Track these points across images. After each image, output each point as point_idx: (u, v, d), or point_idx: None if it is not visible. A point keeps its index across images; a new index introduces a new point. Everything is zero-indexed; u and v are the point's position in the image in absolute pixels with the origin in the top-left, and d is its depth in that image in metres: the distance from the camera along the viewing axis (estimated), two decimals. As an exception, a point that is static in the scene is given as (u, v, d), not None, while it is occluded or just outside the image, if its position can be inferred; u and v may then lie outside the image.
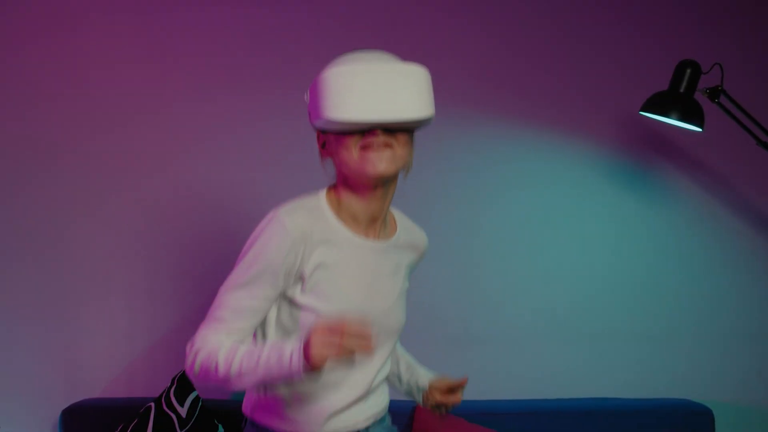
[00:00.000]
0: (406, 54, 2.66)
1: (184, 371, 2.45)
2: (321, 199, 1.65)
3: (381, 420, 1.77)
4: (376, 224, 1.67)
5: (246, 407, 1.71)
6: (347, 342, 1.40)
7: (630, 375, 2.77)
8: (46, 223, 2.70)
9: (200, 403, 2.43)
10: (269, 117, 2.74)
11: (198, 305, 2.73)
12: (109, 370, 2.71)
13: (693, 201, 2.80)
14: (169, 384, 2.47)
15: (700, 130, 2.41)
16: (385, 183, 1.61)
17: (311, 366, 1.43)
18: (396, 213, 1.78)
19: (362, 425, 1.71)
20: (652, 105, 2.42)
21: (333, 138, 1.59)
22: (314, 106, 1.57)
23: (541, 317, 2.77)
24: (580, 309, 2.78)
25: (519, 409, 2.61)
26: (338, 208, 1.64)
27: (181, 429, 2.35)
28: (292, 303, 1.60)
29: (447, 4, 2.79)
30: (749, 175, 2.80)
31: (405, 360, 1.91)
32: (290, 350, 1.47)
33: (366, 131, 1.54)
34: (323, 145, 1.65)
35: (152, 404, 2.41)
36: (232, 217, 2.74)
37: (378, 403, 1.75)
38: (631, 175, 2.81)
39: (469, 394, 2.68)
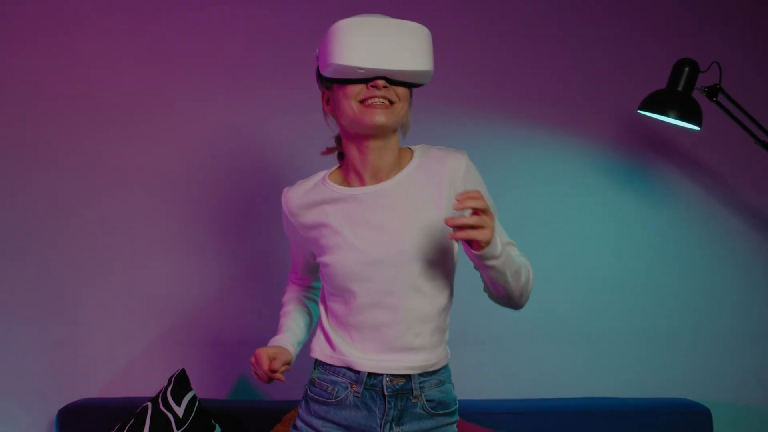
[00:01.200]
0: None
1: (181, 371, 2.46)
2: (329, 170, 1.80)
3: (440, 382, 1.76)
4: (380, 175, 1.73)
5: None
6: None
7: (629, 375, 2.76)
8: (46, 223, 2.71)
9: (197, 403, 2.42)
10: (269, 117, 2.74)
11: (196, 305, 2.74)
12: (107, 369, 2.71)
13: (693, 201, 2.80)
14: (166, 384, 2.46)
15: (698, 128, 2.40)
16: (382, 136, 1.68)
17: None
18: (420, 149, 1.77)
19: (405, 372, 1.70)
20: (650, 104, 2.40)
21: (337, 89, 1.67)
22: (323, 55, 1.65)
23: (541, 317, 2.76)
24: (580, 309, 2.78)
25: (519, 409, 2.60)
26: (346, 170, 1.76)
27: (177, 429, 2.35)
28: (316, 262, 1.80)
29: (447, 3, 2.79)
30: (748, 175, 2.79)
31: None
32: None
33: (369, 81, 1.63)
34: (327, 101, 1.74)
35: (149, 404, 2.41)
36: (231, 216, 2.74)
37: (427, 358, 1.73)
38: (631, 174, 2.80)
39: (469, 394, 2.70)
